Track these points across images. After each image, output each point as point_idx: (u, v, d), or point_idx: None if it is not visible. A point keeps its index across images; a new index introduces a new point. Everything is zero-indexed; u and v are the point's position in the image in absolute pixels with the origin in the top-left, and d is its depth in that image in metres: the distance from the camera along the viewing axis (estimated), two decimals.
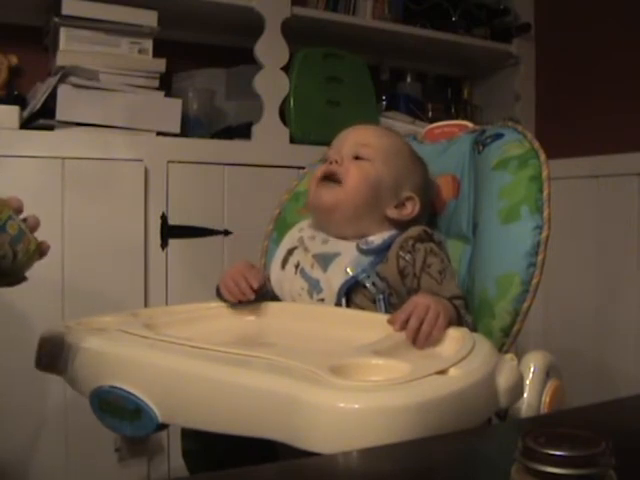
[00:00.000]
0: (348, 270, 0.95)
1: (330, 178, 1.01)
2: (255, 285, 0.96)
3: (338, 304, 0.95)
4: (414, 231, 0.99)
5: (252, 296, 0.95)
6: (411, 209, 1.02)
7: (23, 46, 1.63)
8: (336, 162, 1.01)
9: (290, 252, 1.03)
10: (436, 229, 1.11)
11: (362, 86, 1.84)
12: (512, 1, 2.16)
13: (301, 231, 1.06)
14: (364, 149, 1.01)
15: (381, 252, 0.97)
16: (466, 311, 0.92)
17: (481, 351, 0.75)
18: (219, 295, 0.99)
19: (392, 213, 1.01)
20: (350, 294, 0.95)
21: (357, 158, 1.01)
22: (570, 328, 1.87)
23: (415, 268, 0.95)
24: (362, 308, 0.94)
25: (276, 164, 1.62)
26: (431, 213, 1.11)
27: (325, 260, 0.98)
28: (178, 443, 1.02)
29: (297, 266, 1.00)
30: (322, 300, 0.96)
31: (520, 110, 2.16)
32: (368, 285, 0.94)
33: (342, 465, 0.56)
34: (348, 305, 0.95)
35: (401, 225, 1.01)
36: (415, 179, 1.04)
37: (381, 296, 0.94)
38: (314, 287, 0.97)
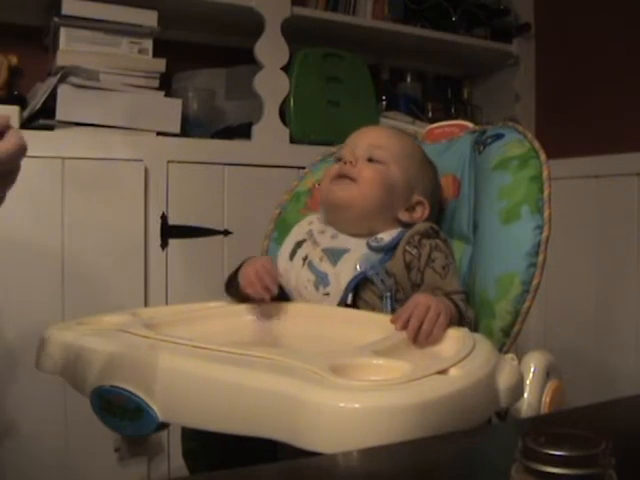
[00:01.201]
0: (357, 266, 0.95)
1: (344, 177, 1.02)
2: (275, 287, 0.94)
3: (344, 299, 0.95)
4: (421, 227, 1.00)
5: (274, 292, 0.93)
6: (421, 213, 1.03)
7: (23, 46, 1.63)
8: (350, 163, 1.02)
9: (299, 244, 1.04)
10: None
11: (362, 86, 1.83)
12: (512, 1, 2.16)
13: (311, 224, 1.07)
14: (378, 152, 1.02)
15: (390, 250, 0.98)
16: (467, 306, 0.93)
17: (481, 351, 0.75)
18: (228, 290, 0.99)
19: (403, 216, 1.02)
20: (358, 290, 0.95)
21: (371, 160, 1.02)
22: (570, 328, 1.87)
23: (420, 262, 0.96)
24: (369, 304, 0.95)
25: (276, 164, 1.62)
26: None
27: (334, 255, 0.99)
28: (178, 443, 1.02)
29: (305, 259, 1.01)
30: (327, 294, 0.96)
31: (520, 110, 2.16)
32: (376, 282, 0.94)
33: (342, 465, 0.56)
34: (355, 300, 0.95)
35: (410, 226, 1.02)
36: (426, 183, 1.05)
37: (388, 293, 0.94)
38: (321, 280, 0.97)
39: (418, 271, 0.96)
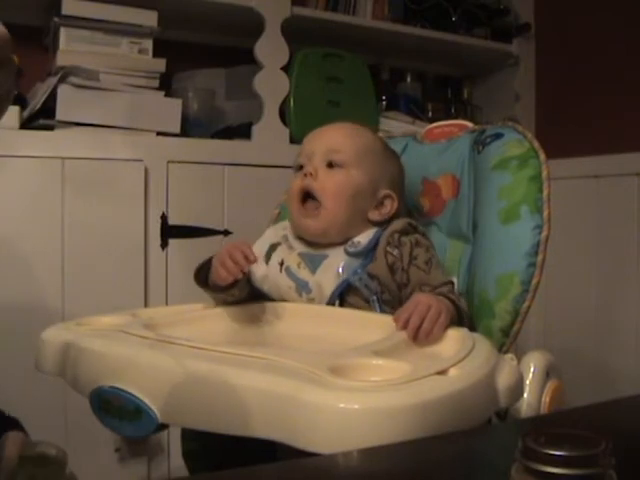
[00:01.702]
0: (340, 274, 0.94)
1: (308, 196, 0.99)
2: (253, 256, 0.90)
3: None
4: (398, 224, 0.98)
5: (252, 260, 0.90)
6: (390, 206, 1.01)
7: (23, 46, 1.61)
8: (310, 174, 0.99)
9: (273, 247, 1.02)
10: (437, 229, 1.11)
11: (362, 86, 1.83)
12: (512, 1, 2.16)
13: (285, 229, 1.05)
14: (337, 155, 0.99)
15: (369, 252, 0.96)
16: (458, 296, 0.92)
17: (481, 351, 0.75)
18: (199, 278, 0.97)
19: (373, 215, 1.00)
20: (342, 296, 0.94)
21: (330, 165, 0.99)
22: (570, 328, 1.87)
23: (403, 262, 0.95)
24: (356, 308, 0.94)
25: (276, 164, 1.62)
26: (418, 208, 1.12)
27: (312, 261, 0.97)
28: (178, 443, 1.02)
29: (282, 264, 0.99)
30: (312, 300, 0.96)
31: (520, 110, 2.16)
32: (360, 287, 0.93)
33: (342, 465, 0.56)
34: (342, 306, 0.94)
35: (384, 223, 1.00)
36: (390, 175, 1.03)
37: (374, 297, 0.93)
38: (303, 287, 0.96)
39: (402, 271, 0.94)
